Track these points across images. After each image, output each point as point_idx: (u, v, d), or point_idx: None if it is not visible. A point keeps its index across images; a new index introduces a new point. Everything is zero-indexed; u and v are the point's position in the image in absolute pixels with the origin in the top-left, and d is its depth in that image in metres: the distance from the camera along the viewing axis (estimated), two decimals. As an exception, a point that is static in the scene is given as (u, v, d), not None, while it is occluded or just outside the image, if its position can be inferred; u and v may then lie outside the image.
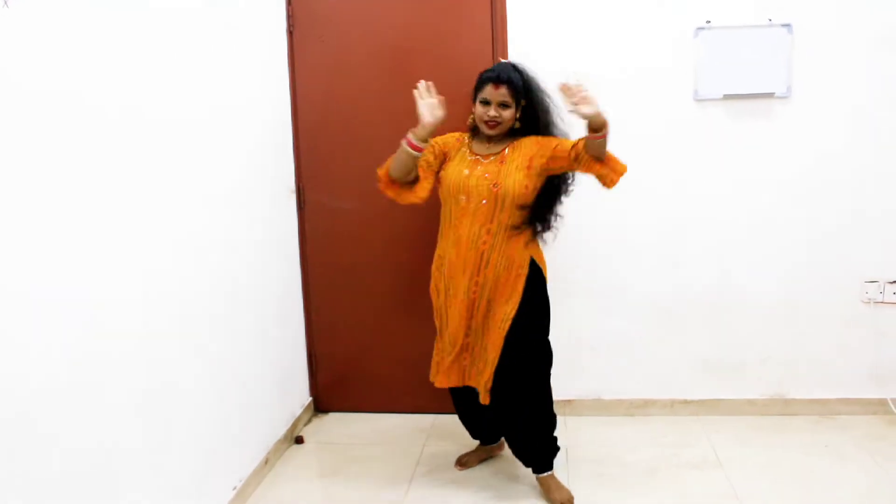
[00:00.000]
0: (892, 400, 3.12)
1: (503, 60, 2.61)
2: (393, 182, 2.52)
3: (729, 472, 2.71)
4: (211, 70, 2.42)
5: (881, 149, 3.00)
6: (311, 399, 3.36)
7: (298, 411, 3.20)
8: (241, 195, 2.66)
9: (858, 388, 3.16)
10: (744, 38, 2.95)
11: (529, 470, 2.64)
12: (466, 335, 2.54)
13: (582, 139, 2.32)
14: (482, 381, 2.53)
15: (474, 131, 2.56)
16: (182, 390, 2.19)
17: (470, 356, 2.57)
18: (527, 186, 2.40)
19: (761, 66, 2.96)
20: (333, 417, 3.35)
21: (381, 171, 2.54)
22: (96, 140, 1.80)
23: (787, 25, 2.92)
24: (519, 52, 3.02)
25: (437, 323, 2.67)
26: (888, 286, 3.06)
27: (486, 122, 2.44)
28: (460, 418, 2.84)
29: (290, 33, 3.13)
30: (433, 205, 3.20)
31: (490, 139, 2.49)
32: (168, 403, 2.11)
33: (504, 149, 2.47)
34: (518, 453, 2.65)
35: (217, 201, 2.47)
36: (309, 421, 3.31)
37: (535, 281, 2.50)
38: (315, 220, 3.26)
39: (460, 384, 2.61)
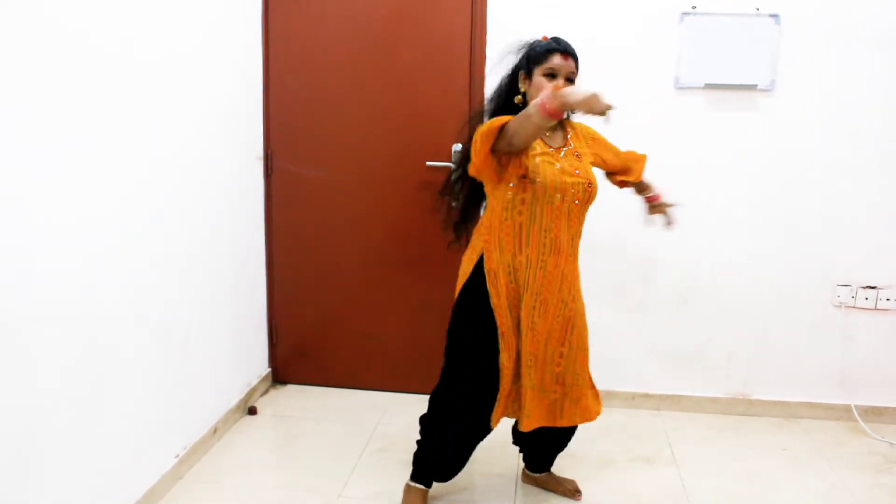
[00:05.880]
0: (857, 407, 3.06)
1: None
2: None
3: (682, 471, 2.66)
4: (182, 27, 2.37)
5: (862, 150, 2.91)
6: (269, 370, 3.31)
7: (255, 381, 3.16)
8: (203, 156, 2.60)
9: (824, 392, 3.10)
10: (730, 26, 2.85)
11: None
12: (558, 364, 2.16)
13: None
14: (585, 408, 2.22)
15: None
16: (120, 355, 2.13)
17: (562, 388, 2.19)
18: None
19: (746, 57, 2.86)
20: (291, 389, 3.32)
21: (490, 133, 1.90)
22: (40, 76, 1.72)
23: (774, 16, 2.81)
24: (498, 23, 2.95)
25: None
26: (861, 291, 2.98)
27: None
28: (462, 453, 2.29)
29: (266, -4, 3.05)
30: (404, 176, 3.13)
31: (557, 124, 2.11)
32: (102, 367, 2.05)
33: (566, 137, 2.15)
34: (546, 459, 2.48)
35: (176, 158, 2.41)
36: (266, 392, 3.27)
37: None
38: (282, 188, 3.20)
39: (552, 423, 2.21)
